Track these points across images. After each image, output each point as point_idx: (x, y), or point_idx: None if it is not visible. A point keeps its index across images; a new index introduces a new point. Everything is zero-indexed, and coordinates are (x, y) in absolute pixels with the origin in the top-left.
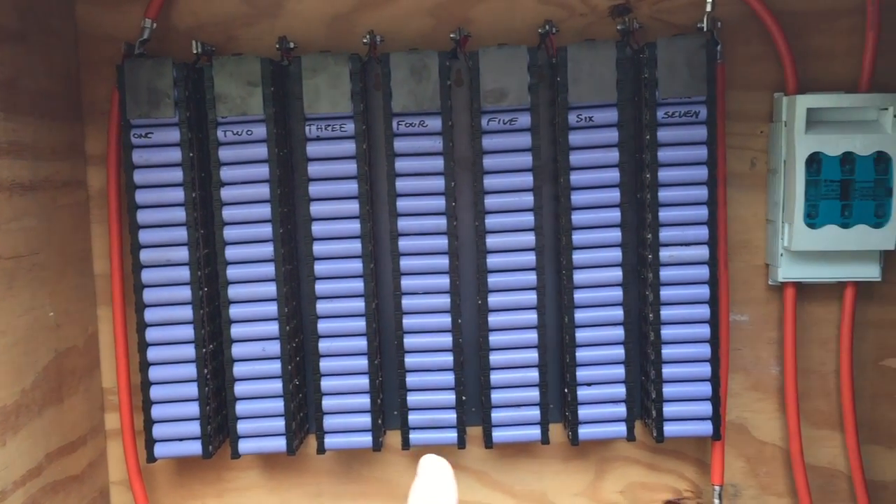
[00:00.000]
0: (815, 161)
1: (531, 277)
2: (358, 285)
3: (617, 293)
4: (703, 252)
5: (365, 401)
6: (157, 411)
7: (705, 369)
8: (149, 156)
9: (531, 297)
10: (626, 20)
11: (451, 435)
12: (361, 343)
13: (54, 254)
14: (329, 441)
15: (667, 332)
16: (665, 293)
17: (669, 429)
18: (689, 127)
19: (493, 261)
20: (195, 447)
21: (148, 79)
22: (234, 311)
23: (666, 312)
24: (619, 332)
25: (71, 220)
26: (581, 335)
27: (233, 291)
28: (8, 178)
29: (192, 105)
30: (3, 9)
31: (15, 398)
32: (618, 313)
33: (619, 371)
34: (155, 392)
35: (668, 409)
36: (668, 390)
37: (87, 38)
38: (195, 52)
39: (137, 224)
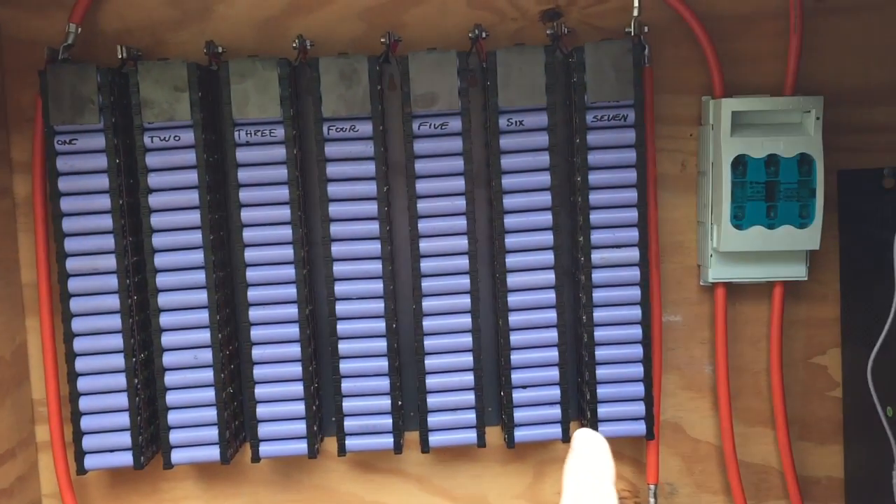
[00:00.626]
0: (740, 163)
1: (465, 281)
2: (291, 291)
3: (550, 296)
4: (633, 254)
5: (300, 408)
6: (86, 422)
7: (638, 370)
8: (73, 162)
9: (465, 301)
10: (555, 25)
11: (388, 440)
12: (295, 350)
13: None
14: (264, 449)
15: (600, 333)
16: (597, 295)
17: (604, 429)
18: (618, 130)
19: (426, 265)
20: (126, 458)
21: (72, 84)
22: (165, 319)
23: (599, 314)
24: (552, 335)
25: None
26: (515, 338)
27: (163, 299)
28: None
29: (117, 111)
30: None
31: None
32: (551, 316)
33: (554, 373)
34: (84, 403)
35: (603, 410)
36: (602, 391)
37: (11, 42)
38: (120, 56)
39: (63, 232)
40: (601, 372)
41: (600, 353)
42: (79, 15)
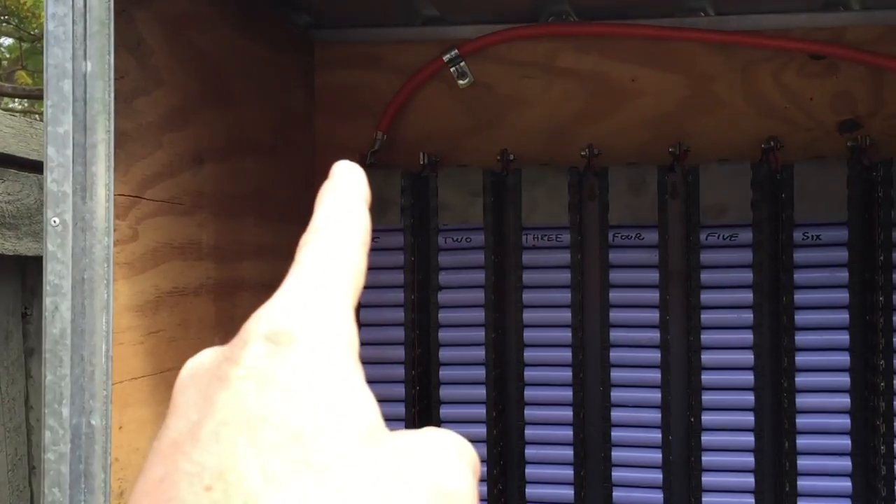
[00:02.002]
0: None
1: (749, 398)
2: (566, 394)
3: (844, 421)
4: None
5: None
6: None
7: None
8: (374, 258)
9: (748, 419)
10: (856, 136)
11: None
12: (568, 453)
13: None
14: None
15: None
16: None
17: None
18: None
19: (707, 378)
20: None
21: (379, 187)
22: (445, 412)
23: None
24: (846, 464)
25: None
26: (803, 463)
27: (444, 392)
28: (254, 277)
29: (415, 212)
30: (260, 126)
31: None
32: (845, 442)
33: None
34: None
35: None
36: None
37: (324, 149)
38: (422, 162)
39: (360, 323)
40: None
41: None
42: (385, 123)
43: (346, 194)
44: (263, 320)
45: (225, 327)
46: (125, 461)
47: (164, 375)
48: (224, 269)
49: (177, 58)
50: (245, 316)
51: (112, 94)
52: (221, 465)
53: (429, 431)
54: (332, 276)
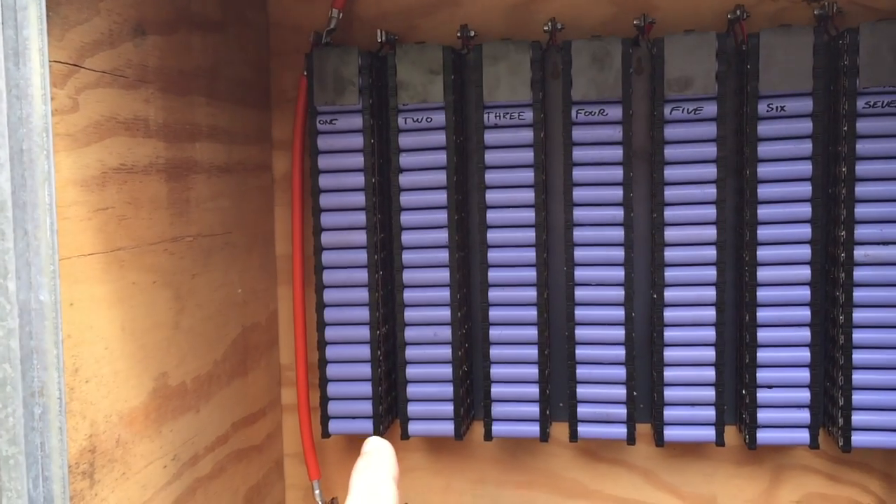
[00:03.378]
0: None
1: (710, 272)
2: (530, 274)
3: (804, 293)
4: None
5: (534, 390)
6: (332, 389)
7: None
8: (333, 141)
9: (710, 294)
10: (823, 4)
11: (621, 430)
12: (532, 332)
13: (243, 234)
14: (497, 429)
15: (859, 335)
16: (858, 294)
17: (857, 438)
18: (893, 118)
19: (670, 254)
20: (367, 425)
21: (335, 67)
22: (408, 294)
23: (859, 315)
24: (805, 334)
25: (258, 203)
26: (763, 335)
27: (407, 276)
28: (207, 160)
29: (373, 92)
30: (207, 1)
31: (208, 368)
32: (804, 314)
33: (804, 374)
34: (331, 370)
35: (857, 418)
36: (857, 398)
37: (278, 28)
38: (379, 40)
39: (320, 207)
40: (858, 377)
41: (858, 356)
42: (341, 1)
43: (377, 470)
44: None
45: (178, 208)
46: (78, 338)
47: (116, 254)
48: (175, 149)
49: None
50: (199, 199)
51: None
52: None
53: None
54: None
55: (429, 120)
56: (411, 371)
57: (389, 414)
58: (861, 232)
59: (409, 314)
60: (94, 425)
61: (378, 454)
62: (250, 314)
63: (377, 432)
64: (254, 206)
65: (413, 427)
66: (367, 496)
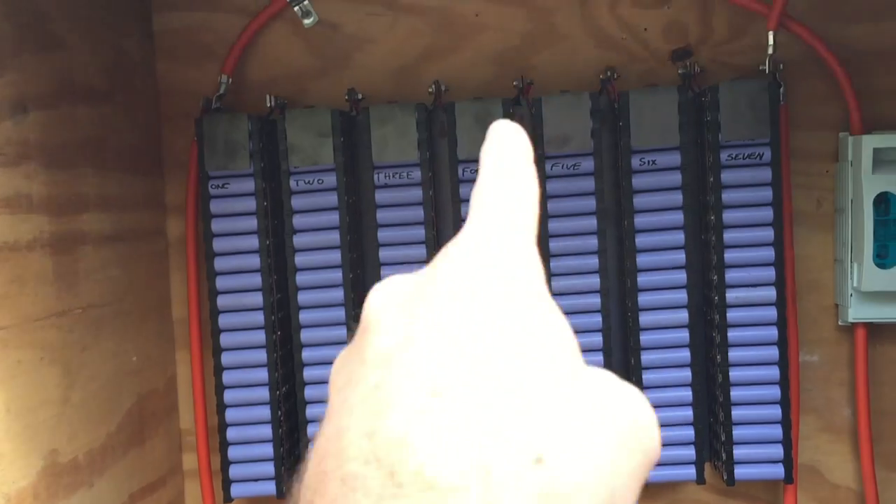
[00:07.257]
0: (883, 201)
1: (596, 320)
2: None
3: (683, 335)
4: (770, 293)
5: None
6: (233, 452)
7: (776, 411)
8: (226, 205)
9: (597, 340)
10: (687, 64)
11: None
12: None
13: (137, 301)
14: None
15: (735, 373)
16: (733, 335)
17: (740, 471)
18: (754, 169)
19: (563, 303)
20: (270, 487)
21: (225, 132)
22: (307, 353)
23: (734, 354)
24: (686, 374)
25: (152, 268)
26: (648, 377)
27: (305, 335)
28: (96, 231)
29: (265, 156)
30: (93, 71)
31: (101, 441)
32: (684, 355)
33: (687, 413)
34: (231, 433)
35: (739, 452)
36: (738, 432)
37: (168, 94)
38: (269, 105)
39: (215, 271)
40: (737, 413)
41: (736, 393)
42: (230, 67)
43: (510, 148)
44: (459, 243)
45: (67, 281)
46: None
47: None
48: (60, 222)
49: None
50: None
51: None
52: (443, 375)
53: (609, 372)
54: (513, 214)
55: (320, 181)
56: (313, 429)
57: (294, 474)
58: (731, 276)
59: (309, 373)
60: None
61: (511, 133)
62: (146, 381)
63: (280, 494)
64: (148, 272)
65: None
66: (504, 169)
